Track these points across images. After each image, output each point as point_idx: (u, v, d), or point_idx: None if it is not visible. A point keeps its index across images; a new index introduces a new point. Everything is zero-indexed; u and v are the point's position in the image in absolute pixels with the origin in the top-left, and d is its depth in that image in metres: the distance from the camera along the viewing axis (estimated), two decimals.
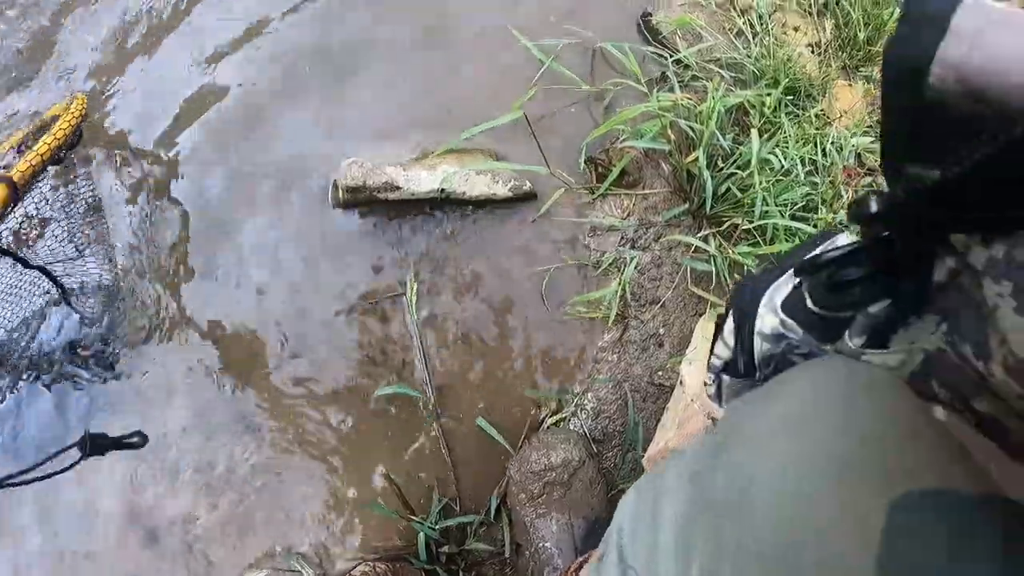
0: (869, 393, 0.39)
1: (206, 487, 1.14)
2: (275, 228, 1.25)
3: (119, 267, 1.21)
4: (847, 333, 0.42)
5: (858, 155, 1.43)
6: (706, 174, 1.21)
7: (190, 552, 1.12)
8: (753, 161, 1.22)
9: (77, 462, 0.84)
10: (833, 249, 0.42)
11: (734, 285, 0.59)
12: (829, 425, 0.37)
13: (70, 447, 0.85)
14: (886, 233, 0.37)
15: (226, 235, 1.25)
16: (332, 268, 1.23)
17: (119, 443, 0.86)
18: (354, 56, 1.35)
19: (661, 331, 1.24)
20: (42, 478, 0.83)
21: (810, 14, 1.56)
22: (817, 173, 1.33)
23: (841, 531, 0.32)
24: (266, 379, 1.19)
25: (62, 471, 0.85)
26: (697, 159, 1.22)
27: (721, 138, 1.25)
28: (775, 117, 1.32)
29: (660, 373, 1.22)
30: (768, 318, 0.50)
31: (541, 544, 1.11)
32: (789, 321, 0.47)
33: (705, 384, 0.65)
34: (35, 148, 1.02)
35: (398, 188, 1.18)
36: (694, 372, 1.16)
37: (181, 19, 1.42)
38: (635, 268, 1.22)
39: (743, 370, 0.55)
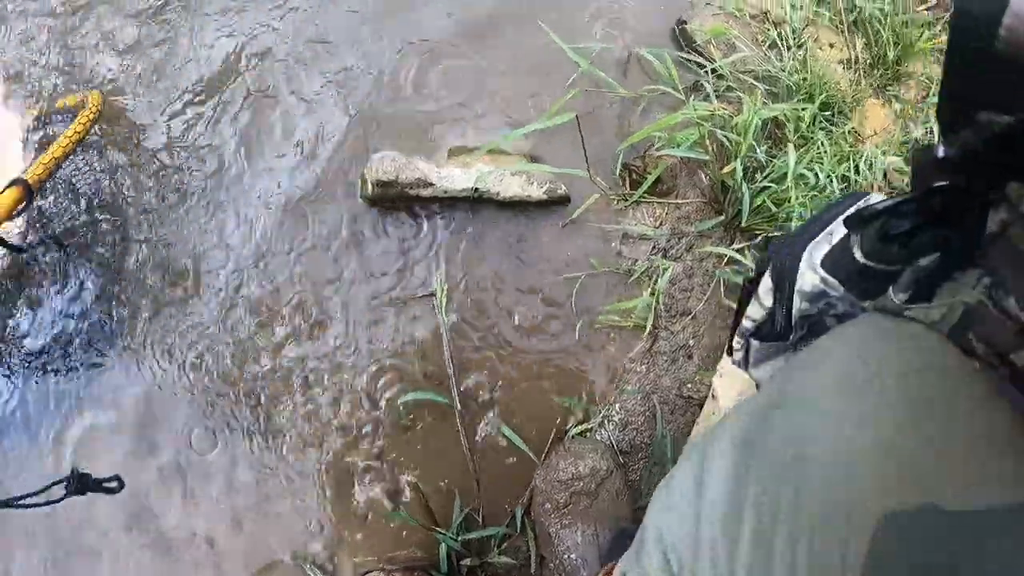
0: (920, 354, 0.40)
1: (222, 490, 1.11)
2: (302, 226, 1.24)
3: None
4: (891, 288, 0.43)
5: (885, 174, 1.45)
6: (743, 186, 1.21)
7: (202, 556, 1.08)
8: (789, 176, 1.23)
9: (60, 500, 0.82)
10: (883, 200, 0.43)
11: (769, 245, 0.56)
12: (886, 387, 0.38)
13: (57, 483, 0.84)
14: (941, 183, 0.38)
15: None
16: (360, 267, 1.21)
17: (99, 485, 0.84)
18: (392, 54, 1.34)
19: (691, 343, 1.24)
20: (23, 506, 0.81)
21: (842, 31, 1.58)
22: (850, 190, 1.34)
23: (899, 489, 0.34)
24: (287, 376, 1.17)
25: (43, 504, 0.83)
26: (734, 170, 1.22)
27: (758, 150, 1.25)
28: (810, 132, 1.33)
29: (689, 386, 1.22)
30: (808, 275, 0.51)
31: (566, 556, 1.10)
32: (831, 279, 0.48)
33: (733, 349, 0.65)
34: (50, 150, 1.03)
35: (431, 185, 1.17)
36: (726, 385, 1.16)
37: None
38: (666, 279, 1.22)
39: (779, 330, 0.56)
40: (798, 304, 0.53)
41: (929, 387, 0.38)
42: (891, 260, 0.43)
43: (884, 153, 1.44)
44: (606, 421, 1.20)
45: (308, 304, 1.20)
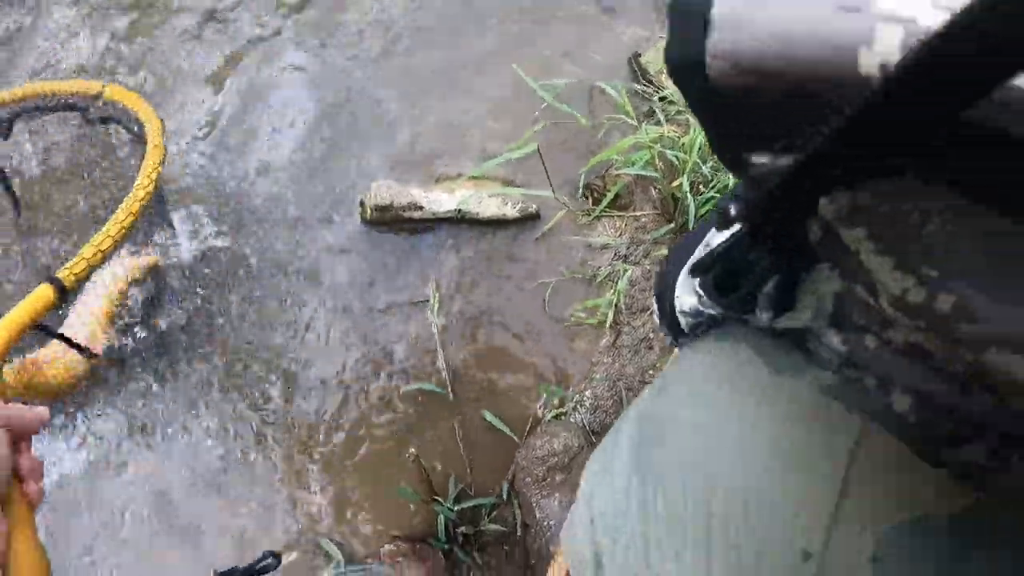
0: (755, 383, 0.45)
1: (242, 473, 1.32)
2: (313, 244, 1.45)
3: None
4: (756, 310, 0.44)
5: None
6: (689, 198, 1.42)
7: (225, 532, 1.29)
8: (730, 186, 1.44)
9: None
10: (714, 249, 0.46)
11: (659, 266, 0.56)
12: (730, 401, 0.47)
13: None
14: (754, 224, 0.40)
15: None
16: (366, 279, 1.43)
17: (253, 571, 0.82)
18: (376, 99, 1.57)
19: (651, 336, 1.45)
20: None
21: None
22: None
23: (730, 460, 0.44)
24: (301, 373, 1.38)
25: None
26: (681, 184, 1.43)
27: (703, 166, 1.46)
28: None
29: (651, 372, 1.42)
30: (686, 298, 0.53)
31: (545, 522, 1.30)
32: (707, 299, 0.50)
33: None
34: (94, 240, 0.93)
35: (421, 208, 1.39)
36: None
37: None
38: (626, 281, 1.43)
39: (673, 339, 0.61)
40: (683, 320, 0.56)
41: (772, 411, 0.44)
42: (734, 302, 0.45)
43: None
44: (578, 406, 1.40)
45: (319, 310, 1.42)
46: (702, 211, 1.46)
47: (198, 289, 1.43)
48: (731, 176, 1.48)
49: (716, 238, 0.50)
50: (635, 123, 1.52)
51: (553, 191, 1.41)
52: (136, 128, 1.25)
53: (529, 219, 1.45)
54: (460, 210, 1.39)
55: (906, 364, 0.38)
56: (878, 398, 0.40)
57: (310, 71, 1.67)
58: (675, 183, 1.46)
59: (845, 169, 0.29)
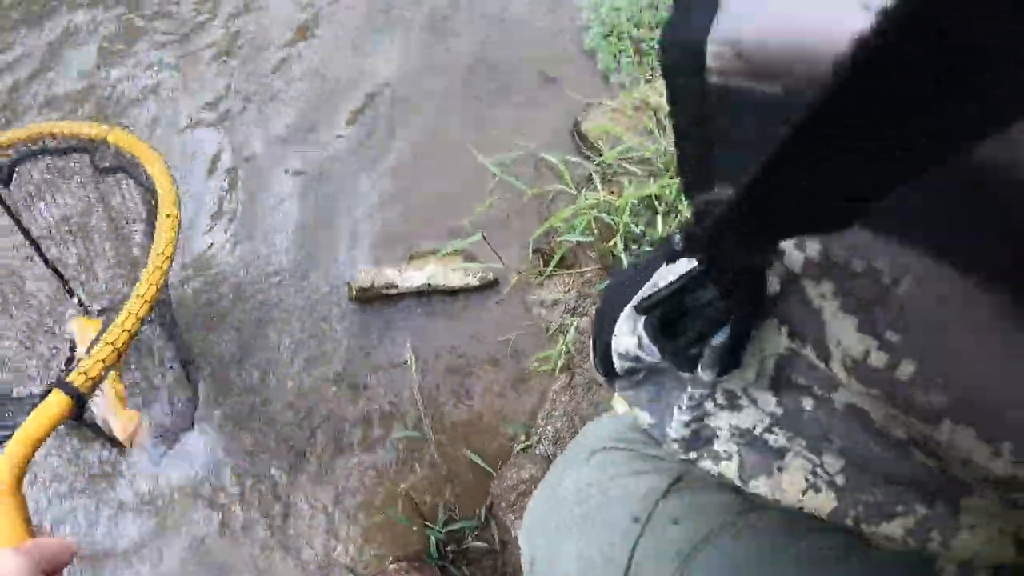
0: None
1: (253, 504, 1.64)
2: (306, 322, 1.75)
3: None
4: (699, 367, 0.42)
5: None
6: (623, 256, 1.68)
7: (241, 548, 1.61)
8: (656, 242, 1.70)
9: None
10: (663, 288, 0.42)
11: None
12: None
13: None
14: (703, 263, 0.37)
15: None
16: (355, 344, 1.72)
17: None
18: (355, 191, 1.86)
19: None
20: None
21: None
22: None
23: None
24: (306, 416, 1.68)
25: None
26: (616, 244, 1.70)
27: (634, 227, 1.72)
28: (678, 202, 1.79)
29: (602, 405, 1.70)
30: (624, 339, 0.51)
31: (519, 540, 1.60)
32: (648, 343, 0.46)
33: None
34: (106, 335, 0.85)
35: (397, 286, 1.68)
36: (619, 403, 1.63)
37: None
38: (575, 330, 1.70)
39: (606, 379, 0.59)
40: (618, 362, 0.54)
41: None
42: (678, 350, 0.42)
43: None
44: (542, 439, 1.69)
45: (314, 375, 1.72)
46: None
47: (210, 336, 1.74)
48: (662, 228, 1.74)
49: (666, 276, 0.47)
50: (574, 192, 1.79)
51: (503, 262, 1.68)
52: (146, 181, 1.14)
53: (489, 285, 1.73)
54: (429, 284, 1.68)
55: (844, 427, 0.38)
56: (810, 459, 0.40)
57: (301, 178, 1.96)
58: (610, 243, 1.72)
59: (796, 203, 0.24)
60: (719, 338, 0.40)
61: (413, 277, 1.68)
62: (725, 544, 0.50)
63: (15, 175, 1.27)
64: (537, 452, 1.68)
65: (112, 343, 0.86)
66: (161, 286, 0.96)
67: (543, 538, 0.63)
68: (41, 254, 1.36)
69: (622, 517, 0.58)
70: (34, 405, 0.82)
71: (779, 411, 0.42)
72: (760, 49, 0.27)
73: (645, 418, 0.53)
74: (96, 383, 0.85)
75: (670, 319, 0.43)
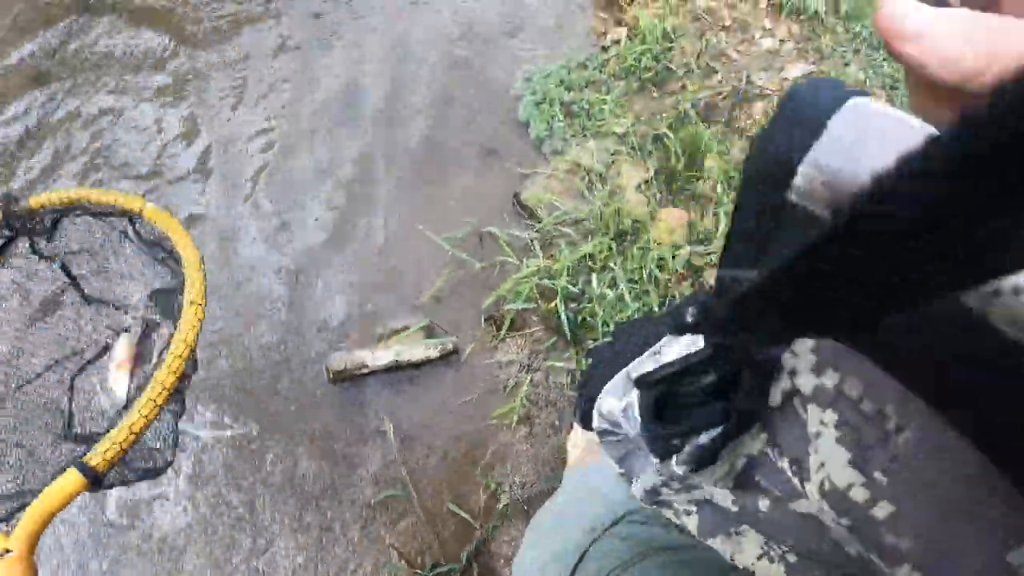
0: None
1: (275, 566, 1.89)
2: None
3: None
4: (675, 457, 0.42)
5: (687, 261, 2.10)
6: (563, 316, 1.91)
7: None
8: (594, 299, 1.92)
9: None
10: (667, 365, 0.41)
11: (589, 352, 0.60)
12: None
13: None
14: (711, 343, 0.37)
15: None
16: (336, 419, 1.97)
17: None
18: (324, 282, 2.10)
19: (558, 422, 1.95)
20: None
21: (640, 157, 2.24)
22: (651, 283, 2.01)
23: None
24: (299, 481, 1.93)
25: None
26: (556, 306, 1.92)
27: (572, 287, 1.94)
28: (608, 260, 2.01)
29: (561, 451, 1.92)
30: (609, 399, 0.51)
31: None
32: (634, 417, 0.46)
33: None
34: (127, 422, 0.86)
35: (367, 365, 1.91)
36: (572, 452, 1.86)
37: None
38: (529, 385, 1.93)
39: (583, 426, 0.59)
40: (596, 421, 0.54)
41: None
42: (668, 437, 0.42)
43: (680, 247, 2.10)
44: (512, 486, 1.92)
45: (302, 451, 1.97)
46: (580, 319, 1.94)
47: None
48: (597, 285, 1.96)
49: (671, 347, 0.47)
50: (517, 261, 2.01)
51: (456, 337, 1.92)
52: (172, 263, 1.14)
53: (450, 354, 1.96)
54: (396, 361, 1.91)
55: (797, 531, 0.38)
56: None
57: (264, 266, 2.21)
58: (551, 305, 1.94)
59: (811, 309, 0.25)
60: (705, 437, 0.40)
61: (381, 356, 1.91)
62: (668, 556, 0.54)
63: (57, 229, 1.29)
64: (510, 499, 1.91)
65: (130, 427, 0.89)
66: (181, 375, 0.96)
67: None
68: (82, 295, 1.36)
69: (578, 531, 0.67)
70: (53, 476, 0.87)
71: (734, 508, 0.43)
72: (845, 186, 0.28)
73: (615, 467, 0.55)
74: (113, 464, 0.87)
75: (667, 402, 0.43)
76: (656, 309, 1.96)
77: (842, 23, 2.70)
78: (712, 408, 0.40)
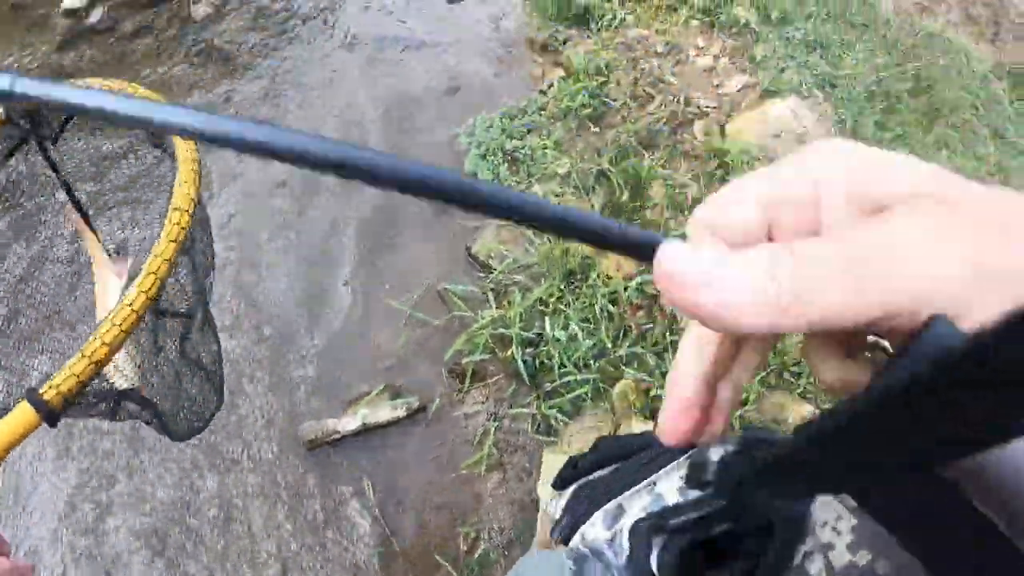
0: None
1: None
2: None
3: None
4: None
5: (641, 291, 2.17)
6: (519, 363, 1.99)
7: None
8: (548, 341, 1.99)
9: None
10: (689, 508, 0.41)
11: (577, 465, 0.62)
12: None
13: None
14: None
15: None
16: (315, 485, 2.06)
17: None
18: (295, 355, 2.21)
19: (528, 465, 2.02)
20: None
21: (584, 195, 2.32)
22: (604, 319, 2.08)
23: None
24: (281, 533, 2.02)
25: None
26: (512, 353, 2.00)
27: (526, 334, 2.02)
28: (560, 302, 2.08)
29: (533, 493, 1.99)
30: (596, 529, 0.51)
31: None
32: (620, 546, 0.45)
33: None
34: (85, 350, 0.71)
35: (338, 432, 2.01)
36: (545, 525, 1.92)
37: None
38: (497, 433, 2.00)
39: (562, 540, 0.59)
40: (577, 538, 0.55)
41: None
42: None
43: (631, 280, 2.16)
44: (491, 533, 1.99)
45: (287, 519, 2.07)
46: (539, 363, 2.02)
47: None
48: (550, 328, 2.03)
49: (667, 482, 0.46)
50: (472, 314, 2.10)
51: (418, 398, 2.01)
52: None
53: (417, 412, 2.05)
54: (364, 424, 2.01)
55: None
56: None
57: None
58: (507, 353, 2.02)
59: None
60: None
61: (349, 422, 2.01)
62: None
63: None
64: (488, 545, 1.98)
65: (90, 355, 0.71)
66: (153, 298, 0.76)
67: None
68: (82, 213, 1.18)
69: None
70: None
71: None
72: None
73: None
74: (70, 399, 0.72)
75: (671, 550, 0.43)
76: (609, 345, 2.03)
77: (774, 30, 2.77)
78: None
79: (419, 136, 2.52)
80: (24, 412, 0.71)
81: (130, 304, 0.74)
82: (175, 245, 0.78)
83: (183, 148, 0.88)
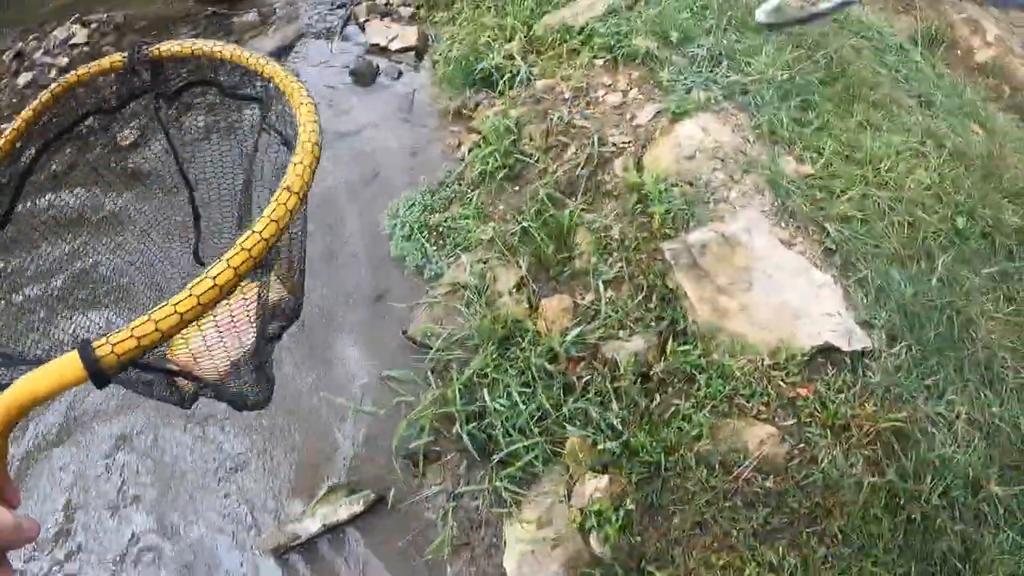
0: None
1: None
2: None
3: None
4: None
5: (580, 342, 2.21)
6: (465, 440, 2.03)
7: None
8: (491, 413, 2.04)
9: None
10: None
11: None
12: None
13: None
14: None
15: None
16: None
17: None
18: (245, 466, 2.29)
19: (495, 539, 2.05)
20: None
21: (509, 258, 2.39)
22: (543, 378, 2.11)
23: None
24: None
25: None
26: (457, 430, 2.05)
27: (467, 408, 2.07)
28: (497, 371, 2.13)
29: (502, 567, 2.01)
30: None
31: None
32: None
33: None
34: (156, 313, 0.67)
35: (299, 536, 2.07)
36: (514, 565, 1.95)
37: None
38: (455, 511, 2.04)
39: None
40: None
41: None
42: None
43: (566, 334, 2.20)
44: None
45: None
46: (486, 436, 2.06)
47: None
48: (490, 399, 2.08)
49: None
50: (413, 397, 2.16)
51: (372, 494, 2.06)
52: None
53: (376, 503, 2.10)
54: (324, 524, 2.07)
55: None
56: None
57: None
58: (453, 429, 2.07)
59: None
60: None
61: (311, 524, 2.07)
62: None
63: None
64: None
65: (156, 321, 0.67)
66: (237, 280, 0.71)
67: None
68: (189, 188, 1.22)
69: None
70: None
71: None
72: None
73: None
74: (124, 361, 0.66)
75: None
76: (549, 406, 2.06)
77: (676, 52, 2.83)
78: None
79: (344, 230, 2.62)
80: (71, 364, 0.65)
81: (213, 278, 0.69)
82: (276, 225, 0.74)
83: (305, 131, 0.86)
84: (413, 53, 3.15)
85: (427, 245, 2.46)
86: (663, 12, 2.91)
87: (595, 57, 2.83)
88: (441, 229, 2.50)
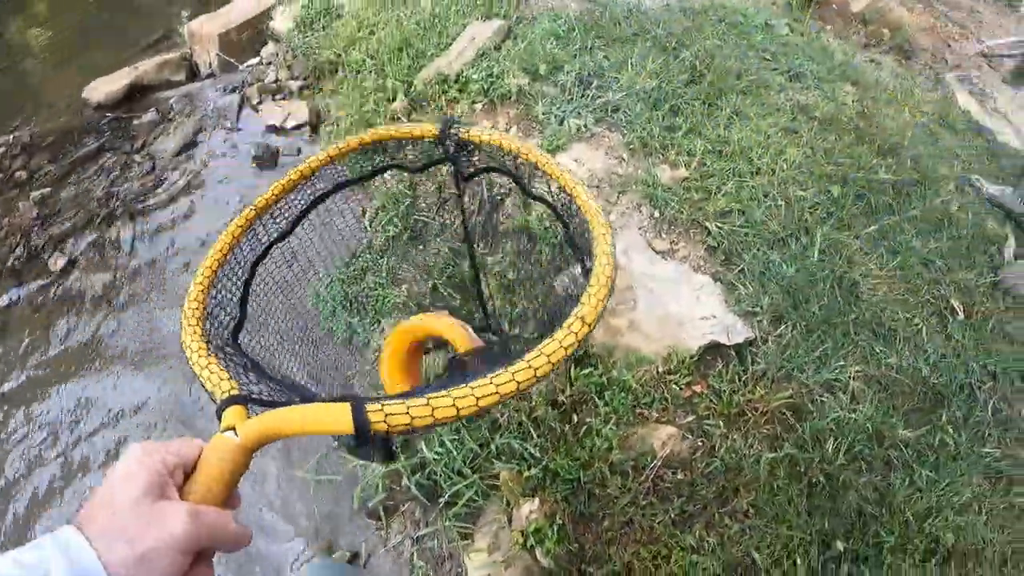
0: None
1: None
2: None
3: None
4: None
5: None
6: (414, 490, 2.37)
7: None
8: (431, 462, 2.38)
9: None
10: None
11: None
12: None
13: None
14: None
15: None
16: None
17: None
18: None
19: (459, 570, 2.40)
20: None
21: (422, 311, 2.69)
22: (473, 423, 2.45)
23: None
24: None
25: None
26: (405, 482, 2.39)
27: (409, 461, 2.41)
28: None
29: None
30: None
31: None
32: None
33: None
34: (436, 400, 0.72)
35: None
36: None
37: None
38: (418, 553, 2.39)
39: None
40: None
41: None
42: None
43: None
44: None
45: None
46: (436, 487, 2.40)
47: None
48: (427, 450, 2.41)
49: None
50: (365, 461, 2.50)
51: (345, 551, 2.41)
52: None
53: (351, 560, 2.45)
54: None
55: None
56: None
57: None
58: (403, 483, 2.41)
59: None
60: None
61: None
62: None
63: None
64: None
65: (434, 408, 0.71)
66: (541, 379, 0.77)
67: None
68: (475, 270, 1.46)
69: None
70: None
71: None
72: None
73: None
74: (391, 432, 0.70)
75: None
76: (477, 447, 2.40)
77: (547, 82, 3.09)
78: None
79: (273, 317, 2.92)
80: (341, 415, 0.69)
81: (496, 385, 0.74)
82: (563, 352, 0.80)
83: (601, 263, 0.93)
84: (308, 128, 3.40)
85: (351, 319, 2.76)
86: (530, 45, 3.16)
87: (473, 103, 3.09)
88: (360, 300, 2.81)
